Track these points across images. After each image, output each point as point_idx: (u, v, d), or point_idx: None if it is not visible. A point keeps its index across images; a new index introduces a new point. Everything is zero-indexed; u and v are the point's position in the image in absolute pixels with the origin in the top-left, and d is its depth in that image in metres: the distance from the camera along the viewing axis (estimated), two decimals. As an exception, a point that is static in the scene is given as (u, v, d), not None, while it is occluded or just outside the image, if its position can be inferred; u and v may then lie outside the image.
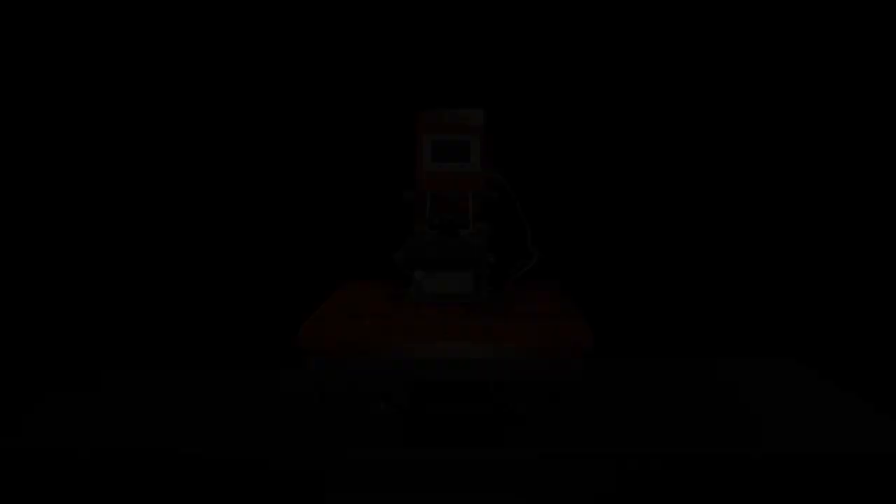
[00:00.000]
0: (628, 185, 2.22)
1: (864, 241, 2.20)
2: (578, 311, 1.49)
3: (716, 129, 2.20)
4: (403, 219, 1.82)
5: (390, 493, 1.37)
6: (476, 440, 1.47)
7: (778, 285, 2.23)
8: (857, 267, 2.21)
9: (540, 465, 1.40)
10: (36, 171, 2.18)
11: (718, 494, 1.38)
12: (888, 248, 2.18)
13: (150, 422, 1.63)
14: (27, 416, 1.72)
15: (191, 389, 1.88)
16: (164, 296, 2.23)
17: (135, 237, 2.21)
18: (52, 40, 2.13)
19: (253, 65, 2.16)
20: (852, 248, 2.21)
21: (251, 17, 2.15)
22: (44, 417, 1.69)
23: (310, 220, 2.22)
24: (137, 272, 2.23)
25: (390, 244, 1.70)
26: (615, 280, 2.22)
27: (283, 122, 2.20)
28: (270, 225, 2.23)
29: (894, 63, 2.13)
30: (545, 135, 2.18)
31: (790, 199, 2.21)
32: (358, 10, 2.14)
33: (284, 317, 1.61)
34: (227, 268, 2.24)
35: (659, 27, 2.16)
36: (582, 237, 2.20)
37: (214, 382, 1.95)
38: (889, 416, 1.67)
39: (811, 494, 1.38)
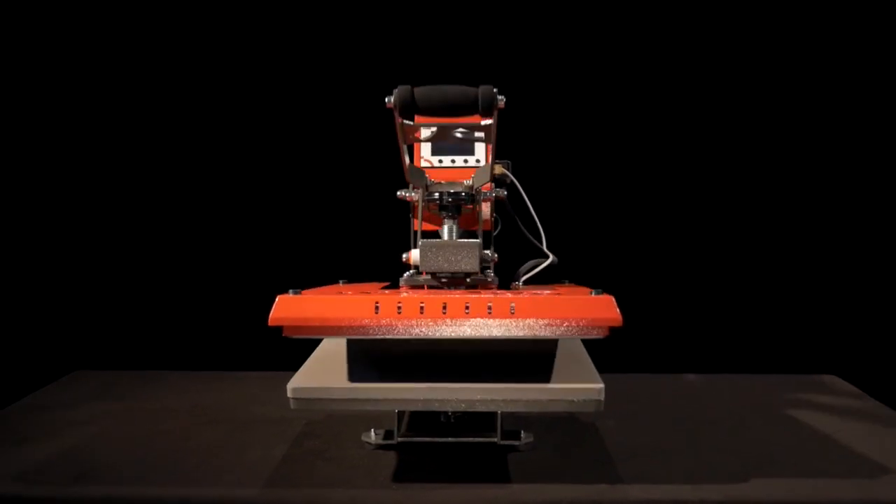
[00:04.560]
0: (657, 185, 2.12)
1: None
2: (599, 292, 1.34)
3: (764, 130, 2.11)
4: (398, 220, 1.69)
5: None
6: (478, 475, 1.35)
7: (819, 298, 2.15)
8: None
9: None
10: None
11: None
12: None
13: (113, 451, 1.48)
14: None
15: (165, 407, 1.76)
16: (143, 297, 2.20)
17: (122, 235, 2.20)
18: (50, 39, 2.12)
19: (241, 54, 2.11)
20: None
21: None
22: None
23: (294, 219, 2.15)
24: (121, 270, 2.20)
25: (383, 248, 1.61)
26: (638, 289, 2.10)
27: (268, 110, 2.14)
28: (247, 225, 2.17)
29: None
30: (560, 124, 2.09)
31: (834, 210, 2.14)
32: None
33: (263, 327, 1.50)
34: (204, 272, 2.18)
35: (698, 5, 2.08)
36: (601, 240, 2.11)
37: (192, 394, 1.86)
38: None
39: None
